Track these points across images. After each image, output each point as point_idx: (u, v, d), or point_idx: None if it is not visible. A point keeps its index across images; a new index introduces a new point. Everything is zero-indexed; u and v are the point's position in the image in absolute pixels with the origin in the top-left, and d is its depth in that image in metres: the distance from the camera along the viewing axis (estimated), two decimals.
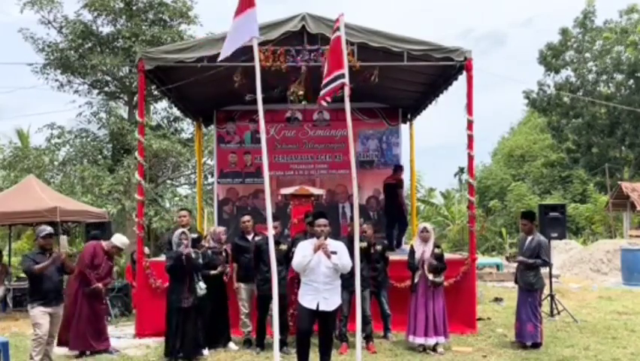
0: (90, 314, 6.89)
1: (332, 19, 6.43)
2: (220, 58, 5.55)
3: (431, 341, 6.79)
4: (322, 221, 5.47)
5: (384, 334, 7.53)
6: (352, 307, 6.67)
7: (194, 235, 7.44)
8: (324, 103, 5.58)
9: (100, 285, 6.89)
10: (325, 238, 5.39)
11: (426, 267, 6.85)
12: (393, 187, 10.45)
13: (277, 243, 6.43)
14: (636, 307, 10.22)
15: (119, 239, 7.24)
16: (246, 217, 7.50)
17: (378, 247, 7.41)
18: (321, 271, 5.33)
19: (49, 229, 6.04)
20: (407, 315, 7.05)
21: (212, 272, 6.99)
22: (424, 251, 6.91)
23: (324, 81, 5.55)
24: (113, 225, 15.65)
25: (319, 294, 5.32)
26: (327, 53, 5.72)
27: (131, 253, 10.76)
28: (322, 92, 5.57)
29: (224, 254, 7.20)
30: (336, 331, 7.14)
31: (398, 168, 10.78)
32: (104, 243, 7.16)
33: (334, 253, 5.34)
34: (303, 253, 5.39)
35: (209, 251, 7.12)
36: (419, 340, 6.83)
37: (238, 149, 11.86)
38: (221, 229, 7.51)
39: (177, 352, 6.49)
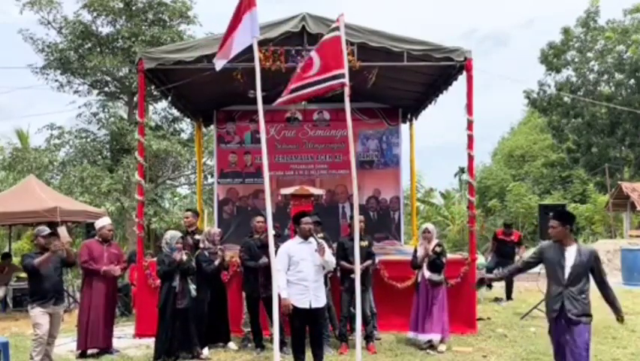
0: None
1: (332, 19, 6.41)
2: (227, 59, 5.50)
3: (423, 336, 6.85)
4: (307, 219, 5.55)
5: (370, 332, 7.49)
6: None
7: (198, 237, 7.37)
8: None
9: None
10: (312, 236, 5.50)
11: (425, 264, 6.94)
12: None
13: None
14: (636, 307, 10.20)
15: (98, 221, 7.31)
16: (258, 218, 7.32)
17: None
18: (311, 270, 5.38)
19: (48, 230, 6.03)
20: (408, 314, 7.12)
21: (215, 264, 6.98)
22: (426, 250, 6.99)
23: (314, 78, 5.43)
24: (113, 224, 15.63)
25: (310, 292, 5.34)
26: (318, 49, 5.60)
27: (130, 253, 10.75)
28: (305, 91, 5.48)
29: (219, 253, 7.14)
30: (336, 331, 7.17)
31: (507, 226, 11.40)
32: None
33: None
34: (289, 252, 5.40)
35: (206, 252, 7.07)
36: (416, 335, 6.96)
37: (238, 149, 11.85)
38: (216, 230, 7.48)
39: (175, 351, 6.47)
